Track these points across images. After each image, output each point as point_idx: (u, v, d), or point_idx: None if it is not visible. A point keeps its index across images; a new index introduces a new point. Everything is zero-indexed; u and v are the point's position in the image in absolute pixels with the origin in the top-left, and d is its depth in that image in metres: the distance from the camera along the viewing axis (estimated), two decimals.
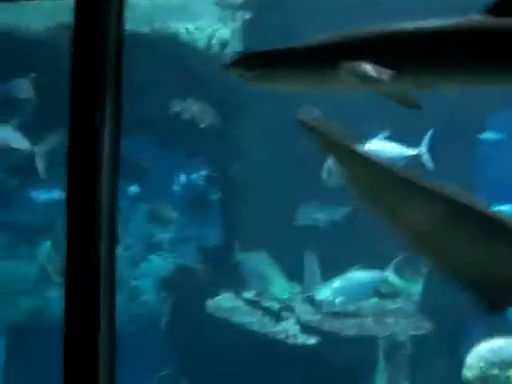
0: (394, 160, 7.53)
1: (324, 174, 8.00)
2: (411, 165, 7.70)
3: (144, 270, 12.45)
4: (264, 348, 8.49)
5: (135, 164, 9.92)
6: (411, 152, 8.01)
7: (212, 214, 10.20)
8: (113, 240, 1.81)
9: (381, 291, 8.73)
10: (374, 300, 8.74)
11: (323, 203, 8.92)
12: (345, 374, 8.22)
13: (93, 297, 1.77)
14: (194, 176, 11.01)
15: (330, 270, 8.42)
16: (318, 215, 9.01)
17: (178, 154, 10.26)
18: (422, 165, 7.89)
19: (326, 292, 8.20)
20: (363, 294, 8.33)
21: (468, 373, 7.37)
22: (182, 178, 11.33)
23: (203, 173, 10.70)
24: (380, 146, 7.74)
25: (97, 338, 1.77)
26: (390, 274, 8.08)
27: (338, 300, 8.13)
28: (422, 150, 7.98)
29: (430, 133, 7.99)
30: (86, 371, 1.76)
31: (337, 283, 8.20)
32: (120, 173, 1.84)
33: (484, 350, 7.42)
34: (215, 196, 10.23)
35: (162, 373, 10.04)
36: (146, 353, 10.75)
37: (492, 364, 7.33)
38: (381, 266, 8.21)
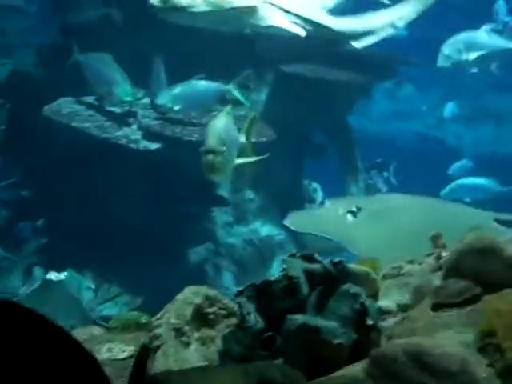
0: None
1: None
2: None
3: None
4: (106, 153, 8.38)
5: None
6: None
7: None
8: None
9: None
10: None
11: None
12: (186, 181, 8.35)
13: None
14: None
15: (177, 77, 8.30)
16: None
17: None
18: None
19: (165, 97, 8.09)
20: (203, 102, 8.26)
21: None
22: None
23: None
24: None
25: None
26: (232, 87, 8.03)
27: (177, 107, 8.08)
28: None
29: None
30: None
31: (177, 89, 8.11)
32: None
33: None
34: None
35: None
36: None
37: None
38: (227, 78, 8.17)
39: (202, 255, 9.40)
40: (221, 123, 5.22)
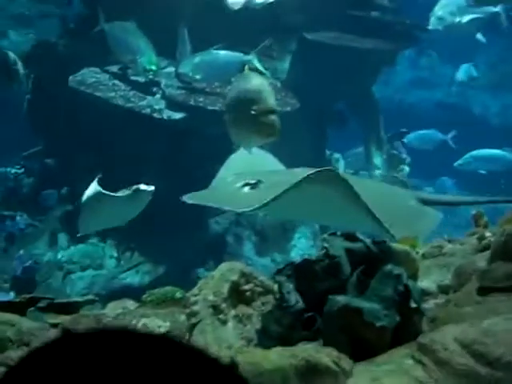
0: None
1: None
2: None
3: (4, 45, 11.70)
4: (129, 123, 8.33)
5: None
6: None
7: None
8: None
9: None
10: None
11: None
12: (212, 147, 8.29)
13: None
14: None
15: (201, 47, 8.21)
16: None
17: None
18: None
19: (186, 66, 8.01)
20: (223, 72, 8.18)
21: None
22: None
23: None
24: None
25: None
26: (252, 57, 7.93)
27: (197, 76, 8.01)
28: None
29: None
30: None
31: (197, 58, 8.03)
32: None
33: None
34: None
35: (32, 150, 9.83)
36: (8, 132, 10.45)
37: None
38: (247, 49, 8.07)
39: (223, 225, 9.39)
40: (266, 82, 4.89)
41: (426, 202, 3.70)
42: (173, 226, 8.68)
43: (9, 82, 8.00)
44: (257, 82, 4.60)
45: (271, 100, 4.49)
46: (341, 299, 2.47)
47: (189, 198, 3.81)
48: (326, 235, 2.74)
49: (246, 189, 3.79)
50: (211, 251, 9.15)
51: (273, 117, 4.44)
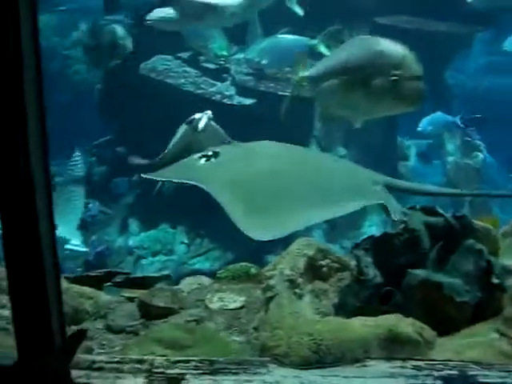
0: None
1: None
2: None
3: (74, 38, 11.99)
4: (200, 109, 8.37)
5: None
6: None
7: None
8: None
9: None
10: None
11: None
12: (282, 134, 8.25)
13: None
14: None
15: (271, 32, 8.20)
16: None
17: None
18: None
19: (253, 51, 8.03)
20: (288, 57, 8.16)
21: None
22: None
23: None
24: None
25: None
26: (318, 42, 7.88)
27: (264, 61, 8.01)
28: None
29: None
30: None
31: (264, 44, 8.04)
32: None
33: None
34: None
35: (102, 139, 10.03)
36: (82, 121, 10.67)
37: None
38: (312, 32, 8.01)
39: None
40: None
41: (393, 189, 3.51)
42: None
43: (112, 57, 8.08)
44: (394, 46, 4.22)
45: (417, 65, 4.12)
46: (420, 273, 2.43)
47: (154, 175, 3.74)
48: (405, 209, 2.68)
49: (202, 161, 3.72)
50: (280, 238, 9.14)
51: (419, 83, 4.07)
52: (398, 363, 2.03)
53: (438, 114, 10.57)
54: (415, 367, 2.02)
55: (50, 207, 1.67)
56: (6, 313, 2.82)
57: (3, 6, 1.48)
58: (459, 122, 10.28)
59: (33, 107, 1.56)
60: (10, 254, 1.63)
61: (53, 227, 1.68)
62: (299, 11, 8.13)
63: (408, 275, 2.43)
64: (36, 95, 1.56)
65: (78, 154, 10.03)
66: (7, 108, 1.55)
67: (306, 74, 5.29)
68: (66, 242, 9.06)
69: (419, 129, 10.42)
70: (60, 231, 8.99)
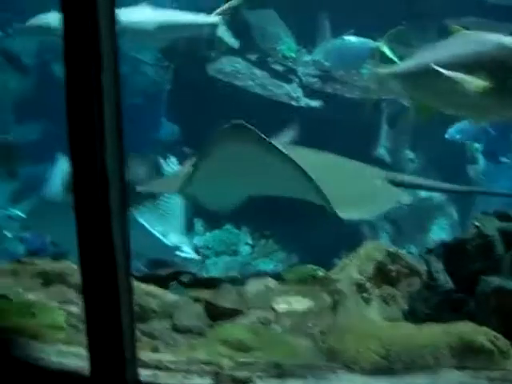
0: None
1: None
2: None
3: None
4: (267, 111, 8.40)
5: None
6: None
7: None
8: None
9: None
10: None
11: None
12: (349, 137, 8.20)
13: None
14: None
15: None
16: None
17: None
18: None
19: (318, 53, 7.99)
20: (354, 59, 8.07)
21: None
22: None
23: None
24: None
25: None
26: (382, 44, 7.77)
27: (328, 63, 7.96)
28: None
29: None
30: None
31: (328, 45, 7.98)
32: None
33: None
34: None
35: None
36: (151, 121, 10.82)
37: None
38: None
39: None
40: None
41: (396, 184, 3.50)
42: (307, 215, 8.67)
43: None
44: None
45: None
46: (494, 280, 2.35)
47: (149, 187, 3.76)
48: (478, 214, 2.61)
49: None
50: (345, 241, 9.06)
51: None
52: (471, 373, 1.97)
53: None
54: (489, 378, 1.96)
55: (124, 206, 1.68)
56: (75, 309, 2.87)
57: (82, 6, 1.51)
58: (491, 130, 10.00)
59: (111, 113, 1.58)
60: (84, 252, 1.65)
61: (125, 224, 1.69)
62: (234, 43, 8.08)
63: (481, 282, 2.36)
64: (114, 98, 1.58)
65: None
66: (84, 113, 1.57)
67: (393, 70, 5.02)
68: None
69: (447, 136, 10.17)
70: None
